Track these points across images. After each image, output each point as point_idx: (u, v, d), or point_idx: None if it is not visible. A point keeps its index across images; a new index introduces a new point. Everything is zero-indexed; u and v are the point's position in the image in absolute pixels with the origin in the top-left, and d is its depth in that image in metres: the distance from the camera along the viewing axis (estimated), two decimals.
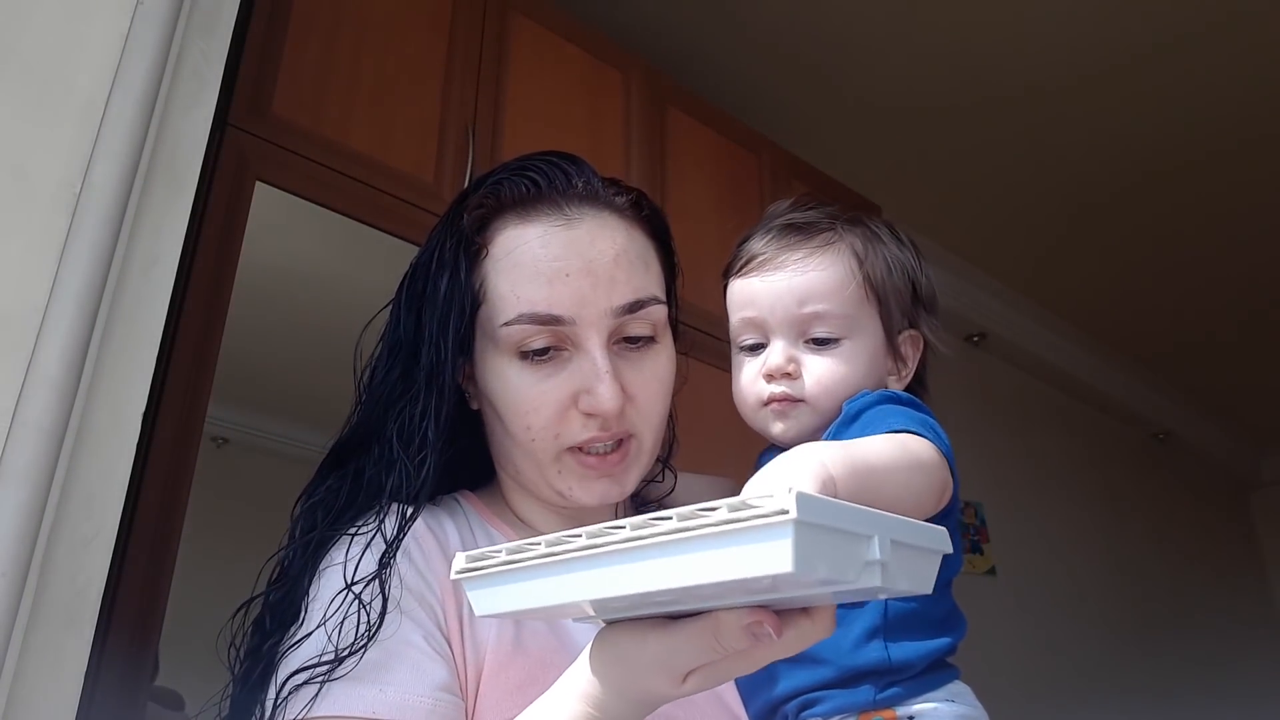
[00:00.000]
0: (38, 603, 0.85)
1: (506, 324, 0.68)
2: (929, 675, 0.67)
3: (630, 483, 0.72)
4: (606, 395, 0.67)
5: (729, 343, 0.81)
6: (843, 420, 0.70)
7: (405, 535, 0.66)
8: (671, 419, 0.80)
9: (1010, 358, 3.55)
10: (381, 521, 0.67)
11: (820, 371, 0.73)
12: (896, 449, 0.59)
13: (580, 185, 0.73)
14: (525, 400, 0.69)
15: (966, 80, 2.51)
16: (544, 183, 0.72)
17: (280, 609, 0.66)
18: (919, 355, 0.79)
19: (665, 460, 0.84)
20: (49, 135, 0.95)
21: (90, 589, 0.89)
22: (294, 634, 0.62)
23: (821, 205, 0.80)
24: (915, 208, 2.96)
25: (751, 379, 0.76)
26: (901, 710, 0.65)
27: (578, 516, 0.75)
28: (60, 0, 0.99)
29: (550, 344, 0.69)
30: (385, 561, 0.64)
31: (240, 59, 1.37)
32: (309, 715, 0.58)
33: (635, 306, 0.70)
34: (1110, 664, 3.39)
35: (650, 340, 0.72)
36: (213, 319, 1.24)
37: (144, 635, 1.08)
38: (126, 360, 0.97)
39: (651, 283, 0.72)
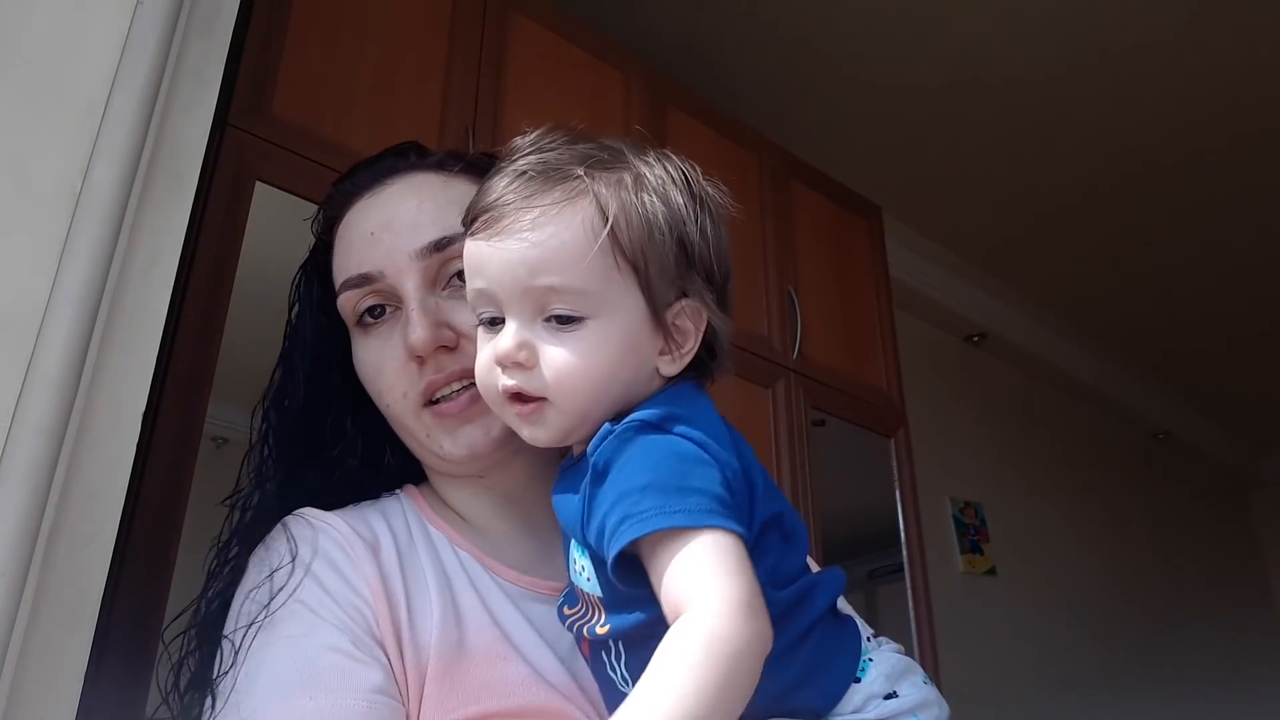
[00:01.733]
0: (38, 603, 0.84)
1: (336, 296, 0.73)
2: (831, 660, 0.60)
3: (495, 427, 0.68)
4: (414, 331, 0.67)
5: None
6: (592, 478, 0.57)
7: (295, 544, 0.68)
8: None
9: (1010, 358, 3.55)
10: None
11: (558, 363, 0.58)
12: (703, 676, 0.47)
13: (390, 160, 0.76)
14: (370, 367, 0.72)
15: (967, 81, 2.51)
16: (364, 170, 0.77)
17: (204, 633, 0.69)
18: (701, 328, 0.64)
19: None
20: (49, 135, 0.95)
21: (90, 589, 0.89)
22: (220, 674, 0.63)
23: (573, 140, 0.64)
24: (915, 208, 2.96)
25: (488, 365, 0.61)
26: None
27: (507, 495, 0.75)
28: (60, 0, 0.99)
29: (379, 302, 0.71)
30: (218, 568, 0.69)
31: (240, 59, 1.37)
32: None
33: (442, 244, 0.70)
34: (1110, 663, 3.39)
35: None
36: (213, 319, 1.24)
37: (144, 635, 1.08)
38: (126, 360, 0.97)
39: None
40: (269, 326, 0.85)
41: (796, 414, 2.01)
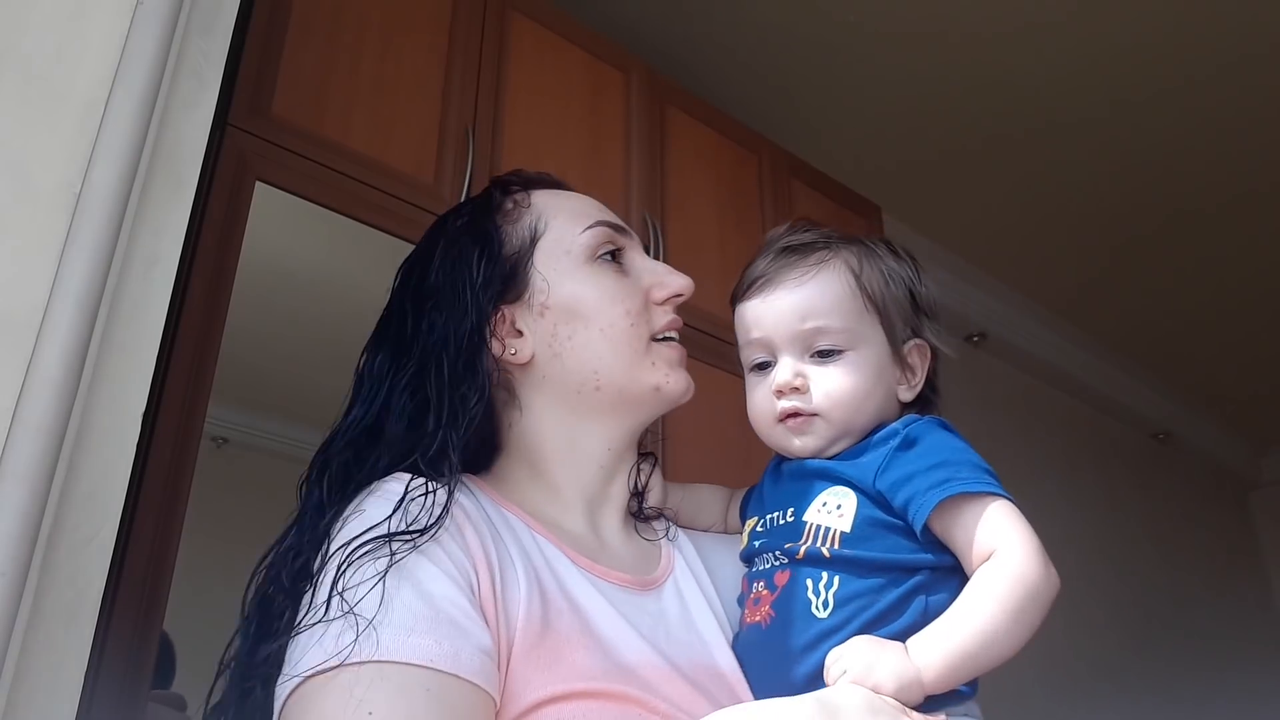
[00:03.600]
0: (38, 603, 0.84)
1: (587, 228, 0.80)
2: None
3: (692, 385, 0.81)
4: (682, 278, 0.82)
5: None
6: (900, 444, 0.72)
7: (449, 506, 0.67)
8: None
9: (1010, 358, 3.55)
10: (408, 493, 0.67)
11: (828, 384, 0.75)
12: (1005, 606, 0.65)
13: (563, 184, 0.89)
14: (620, 289, 0.79)
15: (966, 80, 2.51)
16: (545, 177, 0.88)
17: (294, 570, 0.67)
18: (926, 364, 0.81)
19: (649, 453, 0.87)
20: (49, 135, 0.95)
21: (90, 589, 0.89)
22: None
23: (817, 227, 0.83)
24: (915, 208, 2.96)
25: (764, 397, 0.79)
26: None
27: (582, 495, 0.78)
28: (60, 0, 0.99)
29: (620, 247, 0.82)
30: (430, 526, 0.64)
31: (240, 59, 1.37)
32: (368, 658, 0.56)
33: (645, 247, 0.87)
34: (1110, 663, 3.39)
35: None
36: (213, 319, 1.24)
37: (144, 635, 1.08)
38: (126, 360, 0.97)
39: None
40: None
41: None
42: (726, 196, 2.08)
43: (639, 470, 0.84)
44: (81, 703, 0.86)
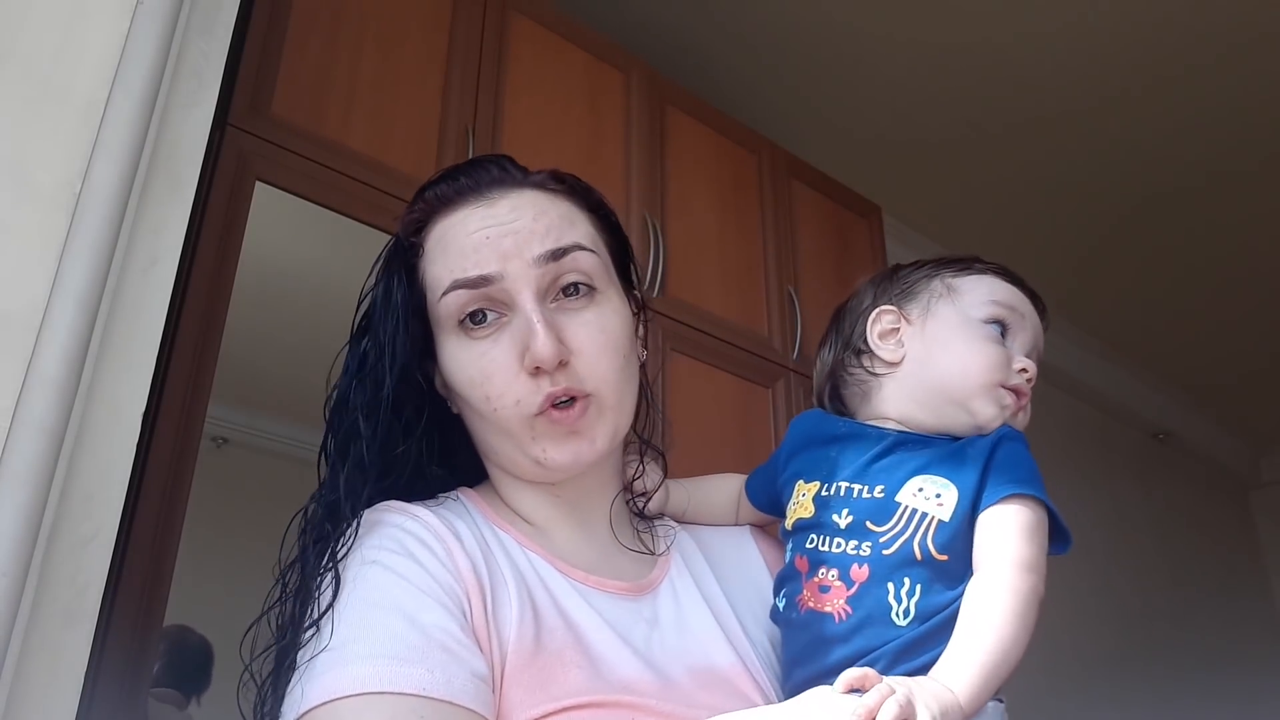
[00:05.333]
0: (38, 603, 0.85)
1: (440, 296, 0.71)
2: None
3: (600, 440, 0.71)
4: (540, 345, 0.68)
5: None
6: (989, 454, 0.73)
7: (385, 529, 0.67)
8: (648, 391, 0.80)
9: None
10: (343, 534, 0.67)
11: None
12: (1017, 617, 0.67)
13: (495, 172, 0.76)
14: (476, 371, 0.71)
15: (966, 81, 2.51)
16: (465, 178, 0.76)
17: (289, 628, 0.66)
18: None
19: (654, 446, 0.84)
20: (49, 135, 0.95)
21: (90, 589, 0.89)
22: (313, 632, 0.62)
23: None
24: (915, 208, 2.96)
25: (1003, 364, 0.78)
26: None
27: (571, 502, 0.76)
28: (60, 0, 0.99)
29: (484, 306, 0.71)
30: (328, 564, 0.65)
31: (240, 59, 1.37)
32: (360, 690, 0.56)
33: (559, 253, 0.72)
34: (1110, 663, 3.39)
35: (590, 290, 0.73)
36: (213, 319, 1.24)
37: (144, 635, 1.08)
38: (126, 360, 0.97)
39: (578, 235, 0.74)
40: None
41: (797, 413, 2.01)
42: (726, 196, 2.08)
43: (641, 466, 0.83)
44: (81, 702, 0.86)
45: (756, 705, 0.69)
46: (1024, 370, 0.78)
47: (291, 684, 0.59)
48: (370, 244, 1.51)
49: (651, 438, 0.83)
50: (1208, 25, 2.31)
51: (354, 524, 0.68)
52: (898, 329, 0.82)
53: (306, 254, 1.48)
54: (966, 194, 2.98)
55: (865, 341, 0.83)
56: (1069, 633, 3.29)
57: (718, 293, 1.95)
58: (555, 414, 0.69)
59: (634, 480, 0.82)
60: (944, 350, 0.79)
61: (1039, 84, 2.52)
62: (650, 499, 0.83)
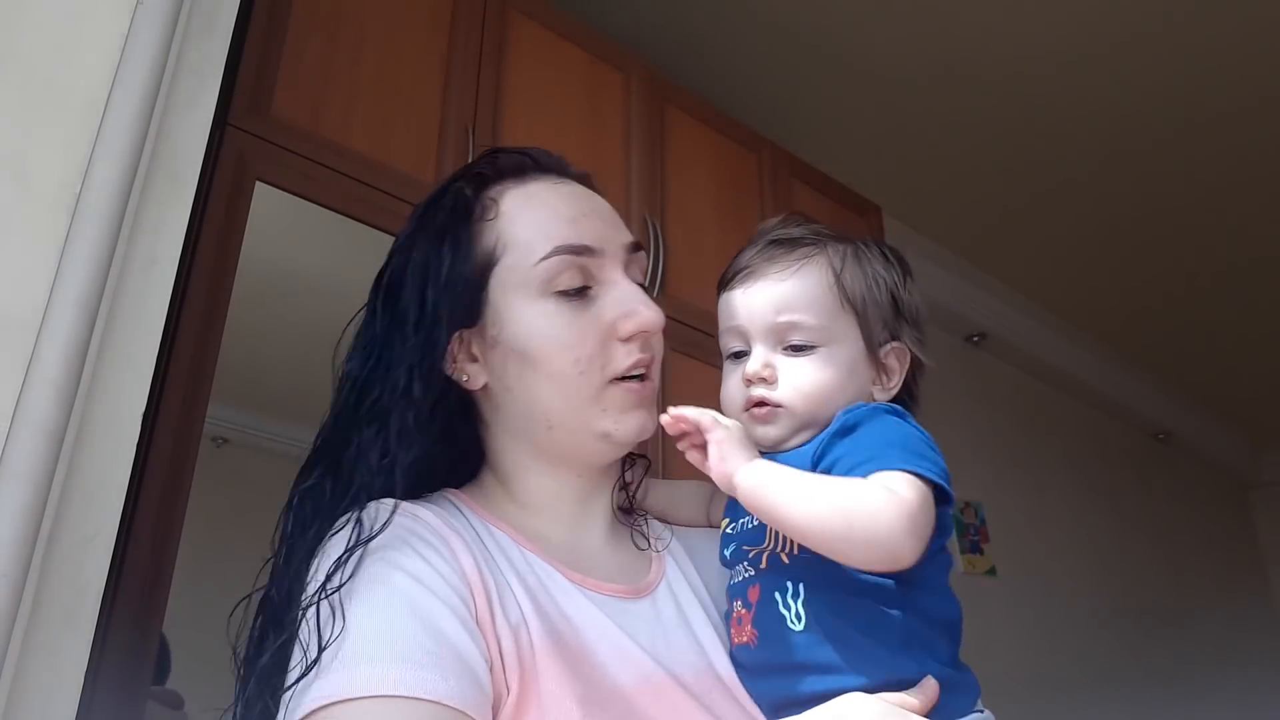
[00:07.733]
0: (38, 603, 0.85)
1: (543, 259, 0.72)
2: (960, 695, 0.67)
3: (655, 420, 0.75)
4: (653, 312, 0.74)
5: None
6: (838, 430, 0.71)
7: (390, 526, 0.66)
8: None
9: (1010, 358, 3.55)
10: (359, 519, 0.66)
11: (796, 377, 0.75)
12: (842, 506, 0.63)
13: (557, 160, 0.81)
14: (571, 333, 0.72)
15: (969, 80, 2.51)
16: (532, 158, 0.80)
17: (278, 607, 0.66)
18: (905, 368, 0.80)
19: (640, 454, 0.85)
20: (49, 135, 0.95)
21: (90, 589, 0.89)
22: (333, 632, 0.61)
23: (809, 223, 0.83)
24: (915, 207, 2.96)
25: (735, 385, 0.79)
26: None
27: (587, 490, 0.77)
28: (60, 0, 0.99)
29: (581, 283, 0.73)
30: (352, 549, 0.63)
31: (240, 59, 1.37)
32: (373, 693, 0.56)
33: (636, 247, 0.78)
34: (1110, 663, 3.39)
35: (643, 286, 0.78)
36: (213, 319, 1.24)
37: (144, 635, 1.08)
38: (126, 360, 0.97)
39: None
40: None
41: None
42: (726, 196, 2.08)
43: (633, 467, 0.84)
44: (81, 703, 0.86)
45: (754, 716, 0.70)
46: (749, 380, 0.78)
47: (304, 680, 0.58)
48: (371, 244, 1.51)
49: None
50: (1210, 38, 2.31)
51: (359, 514, 0.67)
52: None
53: (306, 254, 1.48)
54: (966, 194, 2.98)
55: None
56: (1068, 633, 3.29)
57: (715, 292, 1.95)
58: (634, 385, 0.74)
59: (625, 471, 0.83)
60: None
61: (1039, 85, 2.52)
62: (638, 485, 0.84)
